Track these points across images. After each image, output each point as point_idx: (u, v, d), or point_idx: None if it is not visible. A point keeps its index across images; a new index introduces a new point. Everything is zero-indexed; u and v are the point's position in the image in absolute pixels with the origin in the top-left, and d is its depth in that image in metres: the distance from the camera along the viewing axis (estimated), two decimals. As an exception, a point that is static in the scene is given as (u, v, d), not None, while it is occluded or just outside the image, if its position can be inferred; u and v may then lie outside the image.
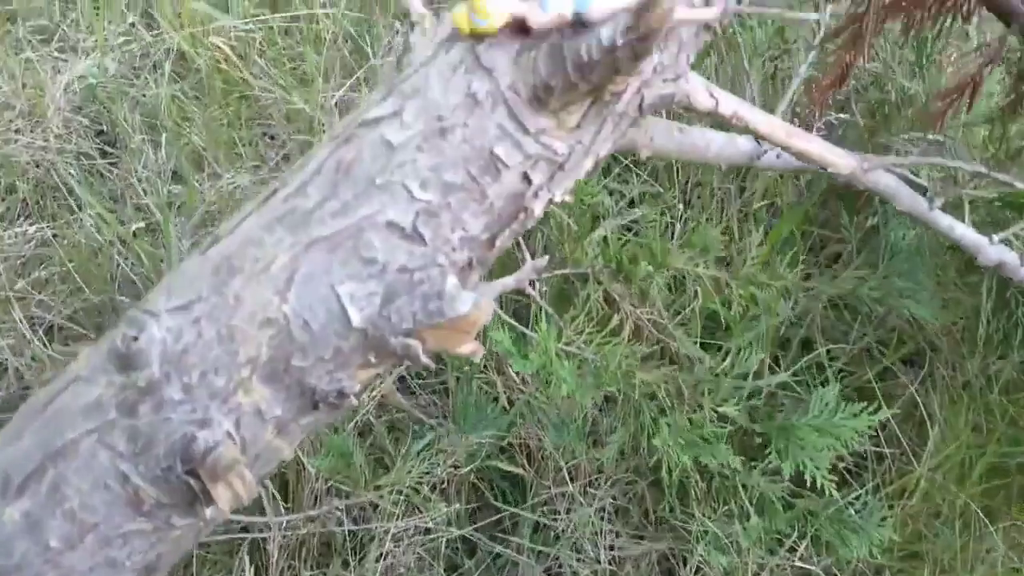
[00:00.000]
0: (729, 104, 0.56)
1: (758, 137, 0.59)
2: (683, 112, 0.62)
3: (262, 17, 1.39)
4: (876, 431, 1.15)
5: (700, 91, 0.55)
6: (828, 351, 1.14)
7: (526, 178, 0.50)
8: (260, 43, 1.45)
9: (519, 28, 0.46)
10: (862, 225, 1.12)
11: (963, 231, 0.69)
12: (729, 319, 0.95)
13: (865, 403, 0.88)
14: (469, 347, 0.51)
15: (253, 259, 0.49)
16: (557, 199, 0.54)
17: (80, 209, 1.30)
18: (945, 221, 0.68)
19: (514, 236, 0.54)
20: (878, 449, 1.14)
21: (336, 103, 1.28)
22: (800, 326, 1.15)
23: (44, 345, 1.18)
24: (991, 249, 0.71)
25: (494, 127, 0.48)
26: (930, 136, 0.84)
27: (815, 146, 0.60)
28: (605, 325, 0.94)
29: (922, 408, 1.11)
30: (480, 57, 0.47)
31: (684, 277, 0.96)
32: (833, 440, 0.80)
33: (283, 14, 1.37)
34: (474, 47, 0.48)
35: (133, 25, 1.56)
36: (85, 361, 0.51)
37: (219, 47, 1.42)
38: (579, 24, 0.45)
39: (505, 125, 0.48)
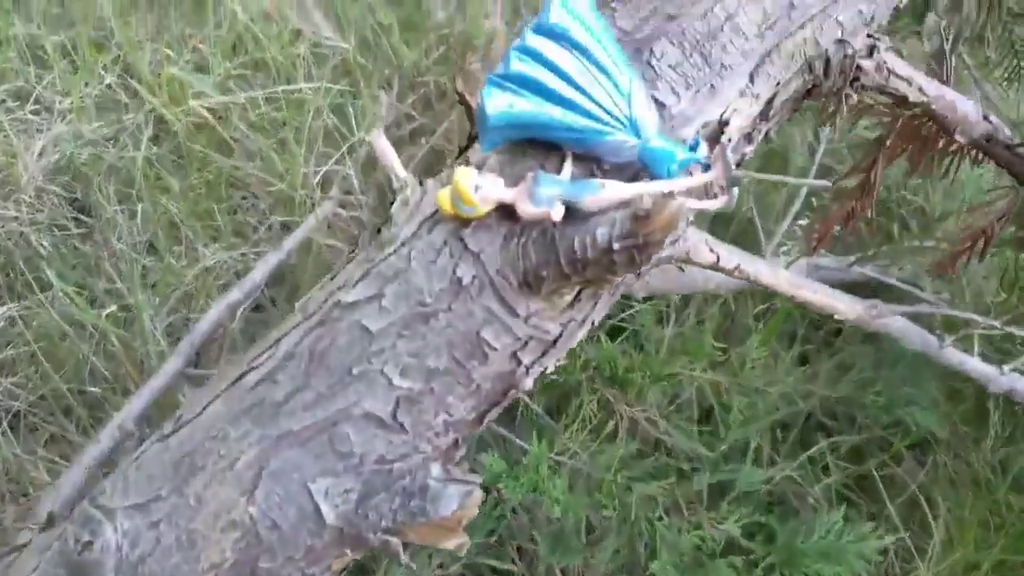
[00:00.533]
0: (730, 258, 0.53)
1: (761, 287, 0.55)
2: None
3: (245, 92, 1.35)
4: (879, 526, 1.11)
5: (700, 248, 0.52)
6: (830, 439, 1.11)
7: (516, 358, 0.46)
8: (243, 106, 1.41)
9: (507, 211, 0.43)
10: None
11: (973, 365, 0.66)
12: (727, 423, 0.91)
13: (873, 523, 0.84)
14: (454, 542, 0.47)
15: (217, 455, 0.45)
16: (550, 370, 0.50)
17: (51, 287, 1.25)
18: (956, 358, 0.65)
19: (503, 407, 0.50)
20: (881, 541, 1.10)
21: (318, 182, 1.24)
22: (800, 408, 1.11)
23: (7, 433, 1.13)
24: (1002, 379, 0.68)
25: (481, 311, 0.45)
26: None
27: (821, 296, 0.56)
28: (601, 429, 0.90)
29: (927, 502, 1.07)
30: (466, 240, 0.44)
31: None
32: (838, 568, 0.76)
33: (264, 91, 1.33)
34: (459, 230, 0.44)
35: (110, 87, 1.52)
36: (34, 558, 0.47)
37: (198, 111, 1.38)
38: (573, 211, 0.41)
39: (493, 309, 0.45)
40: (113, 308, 1.21)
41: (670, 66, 0.43)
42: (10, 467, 1.08)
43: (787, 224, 0.68)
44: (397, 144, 1.39)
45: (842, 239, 0.81)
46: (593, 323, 0.50)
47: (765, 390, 0.86)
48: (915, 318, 0.64)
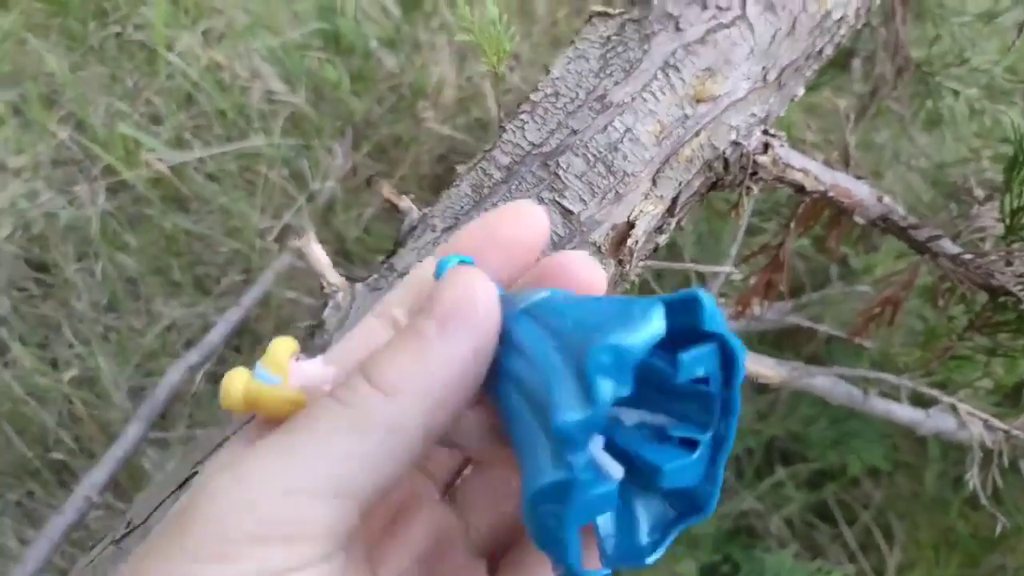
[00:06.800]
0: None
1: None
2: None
3: (200, 145, 1.36)
4: (839, 549, 1.14)
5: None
6: (788, 466, 1.14)
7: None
8: (198, 159, 1.42)
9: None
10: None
11: (900, 413, 0.69)
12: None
13: (818, 560, 0.87)
14: None
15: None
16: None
17: (9, 350, 1.26)
18: (880, 407, 0.68)
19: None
20: (841, 566, 1.14)
21: (276, 235, 1.25)
22: (759, 438, 1.14)
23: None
24: (928, 422, 0.71)
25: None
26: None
27: (747, 364, 0.59)
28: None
29: (885, 520, 1.11)
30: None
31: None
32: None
33: (218, 147, 1.34)
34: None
35: (64, 144, 1.52)
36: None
37: (154, 165, 1.39)
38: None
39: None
40: (74, 371, 1.21)
41: (576, 176, 0.45)
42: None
43: (724, 274, 0.70)
44: (355, 192, 1.41)
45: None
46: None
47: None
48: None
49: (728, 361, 0.25)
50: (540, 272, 0.29)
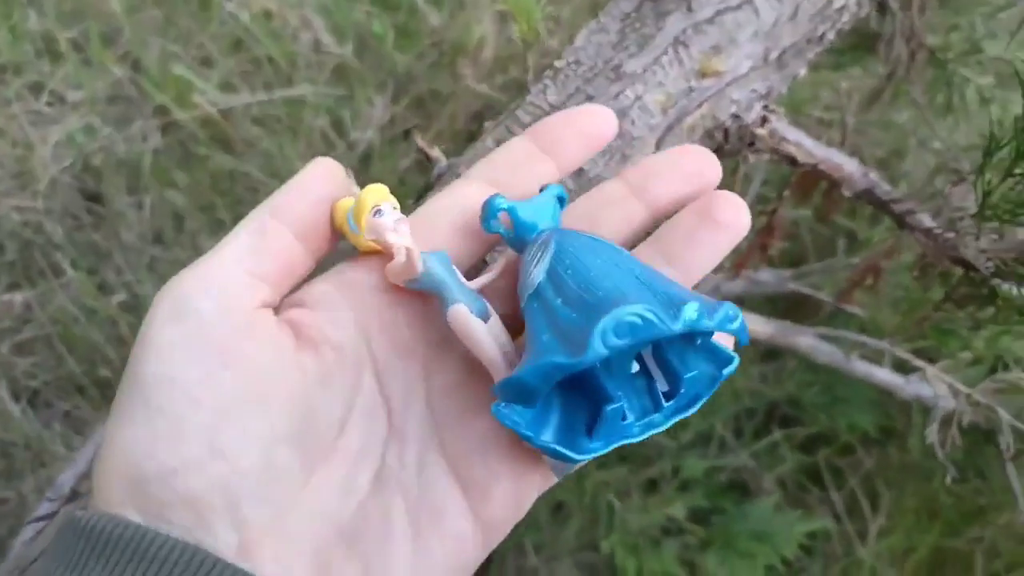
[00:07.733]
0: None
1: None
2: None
3: (247, 90, 1.43)
4: (826, 511, 1.21)
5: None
6: (785, 429, 1.21)
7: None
8: (245, 104, 1.49)
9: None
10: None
11: (880, 376, 0.74)
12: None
13: (800, 510, 0.94)
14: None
15: None
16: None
17: (64, 273, 1.35)
18: (862, 369, 0.73)
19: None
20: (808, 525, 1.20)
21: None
22: (762, 399, 1.20)
23: (27, 410, 1.23)
24: (908, 387, 0.76)
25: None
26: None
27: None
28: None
29: (873, 487, 1.17)
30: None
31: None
32: (770, 550, 0.85)
33: (266, 92, 1.41)
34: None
35: (120, 82, 1.60)
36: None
37: (204, 108, 1.47)
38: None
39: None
40: (122, 296, 1.30)
41: (588, 137, 0.51)
42: (30, 441, 1.18)
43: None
44: (391, 143, 1.47)
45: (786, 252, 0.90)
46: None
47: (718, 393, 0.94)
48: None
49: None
50: (673, 158, 0.37)
